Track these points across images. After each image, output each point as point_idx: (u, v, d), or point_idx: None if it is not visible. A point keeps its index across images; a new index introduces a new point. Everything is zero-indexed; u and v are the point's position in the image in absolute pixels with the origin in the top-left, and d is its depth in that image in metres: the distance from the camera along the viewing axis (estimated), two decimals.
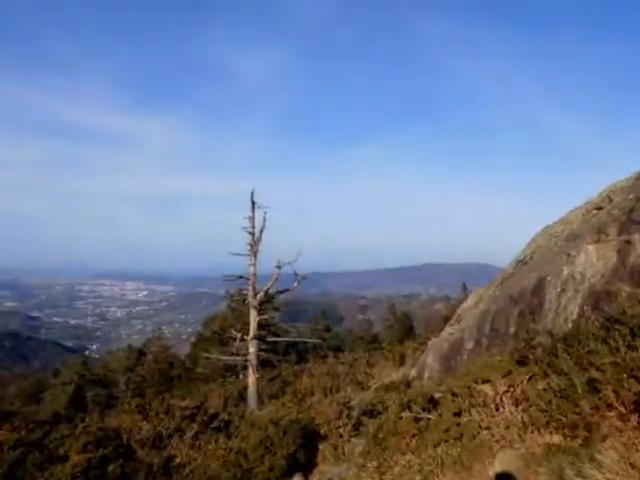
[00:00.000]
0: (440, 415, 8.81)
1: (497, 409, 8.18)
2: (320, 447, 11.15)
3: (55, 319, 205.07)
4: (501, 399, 8.35)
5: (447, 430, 8.28)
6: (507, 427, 7.55)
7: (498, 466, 7.05)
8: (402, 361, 20.46)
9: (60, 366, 57.47)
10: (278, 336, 33.37)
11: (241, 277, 23.02)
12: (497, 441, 7.47)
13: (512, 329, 11.50)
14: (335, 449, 10.97)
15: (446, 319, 20.99)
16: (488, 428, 7.88)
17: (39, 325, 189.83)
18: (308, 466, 10.74)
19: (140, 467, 12.28)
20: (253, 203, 22.38)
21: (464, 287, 30.26)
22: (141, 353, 49.42)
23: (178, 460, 12.83)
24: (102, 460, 12.14)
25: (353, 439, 11.02)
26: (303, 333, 41.50)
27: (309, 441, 11.12)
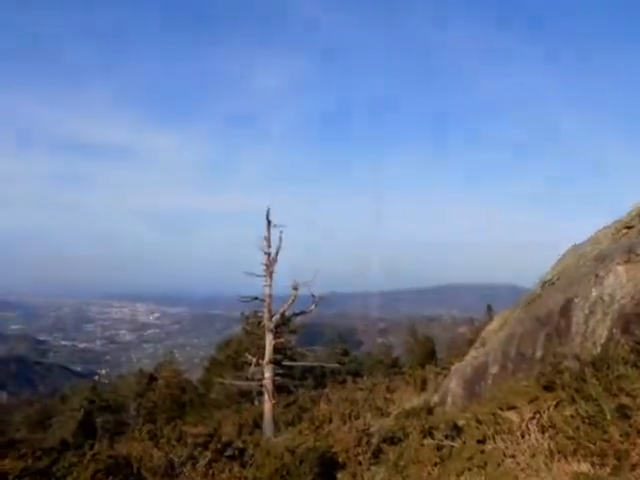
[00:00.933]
0: (464, 442, 8.86)
1: (523, 436, 8.22)
2: (338, 476, 11.20)
3: (63, 342, 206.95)
4: (527, 426, 8.39)
5: (470, 458, 8.33)
6: (533, 455, 7.59)
7: None
8: (423, 386, 20.40)
9: (68, 391, 57.98)
10: (295, 360, 33.42)
11: (256, 298, 23.12)
12: (522, 469, 7.51)
13: (539, 353, 11.52)
14: (354, 478, 11.01)
15: (470, 342, 20.93)
16: (513, 456, 7.92)
17: (46, 349, 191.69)
18: None
19: None
20: (269, 222, 22.57)
21: (489, 309, 30.08)
22: (152, 378, 49.71)
23: None
24: None
25: (373, 467, 11.05)
26: (320, 357, 41.45)
27: (327, 470, 11.17)
